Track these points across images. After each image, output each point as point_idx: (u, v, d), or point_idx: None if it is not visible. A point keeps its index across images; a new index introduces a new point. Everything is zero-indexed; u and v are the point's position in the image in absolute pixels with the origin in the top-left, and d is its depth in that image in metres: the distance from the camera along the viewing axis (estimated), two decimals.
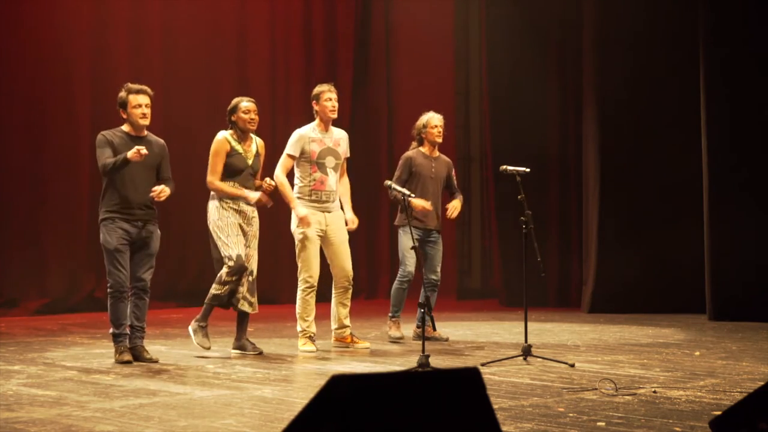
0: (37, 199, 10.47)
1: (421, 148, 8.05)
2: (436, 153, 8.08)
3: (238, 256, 6.75)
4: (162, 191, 6.40)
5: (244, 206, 6.92)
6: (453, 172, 8.19)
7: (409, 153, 8.04)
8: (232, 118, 6.96)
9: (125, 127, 6.53)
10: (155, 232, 6.56)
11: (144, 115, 6.47)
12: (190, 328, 6.90)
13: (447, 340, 7.97)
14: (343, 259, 7.37)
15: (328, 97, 7.32)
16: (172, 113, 11.32)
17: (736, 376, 5.94)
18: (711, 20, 9.95)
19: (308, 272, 7.24)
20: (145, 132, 6.57)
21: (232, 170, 6.89)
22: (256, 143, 7.06)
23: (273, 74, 12.33)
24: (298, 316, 7.26)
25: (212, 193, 6.96)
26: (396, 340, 7.83)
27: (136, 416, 4.59)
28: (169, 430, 4.30)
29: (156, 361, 6.44)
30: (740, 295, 9.64)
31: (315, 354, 7.05)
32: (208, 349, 6.81)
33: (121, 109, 6.51)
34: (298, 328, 7.27)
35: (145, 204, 6.47)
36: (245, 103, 6.96)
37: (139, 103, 6.46)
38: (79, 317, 9.87)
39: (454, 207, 7.98)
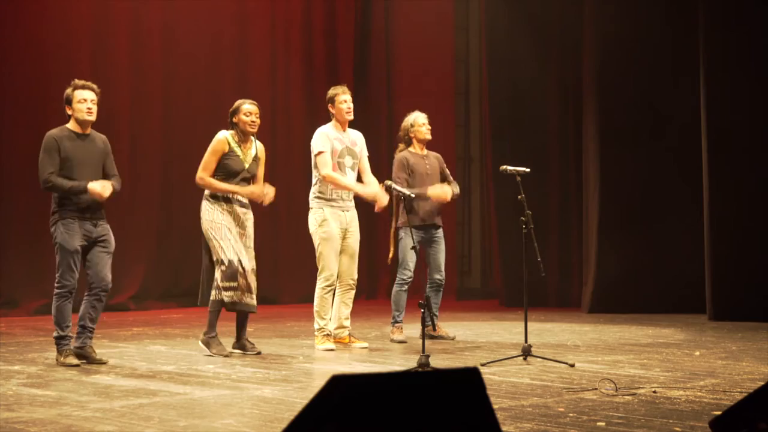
0: (37, 199, 10.45)
1: (410, 149, 8.08)
2: (425, 151, 8.13)
3: (230, 261, 6.72)
4: (103, 189, 6.21)
5: (236, 207, 6.87)
6: (445, 165, 8.23)
7: (402, 154, 8.06)
8: (234, 120, 6.97)
9: (70, 125, 6.41)
10: (110, 229, 6.47)
11: (89, 111, 6.35)
12: (201, 343, 6.86)
13: (454, 338, 7.97)
14: (353, 259, 7.46)
15: (342, 99, 7.45)
16: (172, 113, 11.34)
17: (736, 376, 5.94)
18: (711, 19, 9.95)
19: (329, 271, 7.29)
20: (90, 130, 6.44)
21: (228, 172, 6.85)
22: (256, 147, 7.04)
23: (273, 74, 12.32)
24: (316, 314, 7.31)
25: (205, 192, 6.94)
26: (399, 343, 7.78)
27: (136, 416, 4.59)
28: (169, 430, 4.30)
29: (105, 362, 6.35)
30: (740, 295, 9.64)
31: (333, 352, 7.08)
32: (229, 356, 6.74)
33: (66, 105, 6.41)
34: (316, 326, 7.31)
35: (97, 202, 6.35)
36: (247, 106, 6.95)
37: (84, 98, 6.35)
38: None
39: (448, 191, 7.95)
